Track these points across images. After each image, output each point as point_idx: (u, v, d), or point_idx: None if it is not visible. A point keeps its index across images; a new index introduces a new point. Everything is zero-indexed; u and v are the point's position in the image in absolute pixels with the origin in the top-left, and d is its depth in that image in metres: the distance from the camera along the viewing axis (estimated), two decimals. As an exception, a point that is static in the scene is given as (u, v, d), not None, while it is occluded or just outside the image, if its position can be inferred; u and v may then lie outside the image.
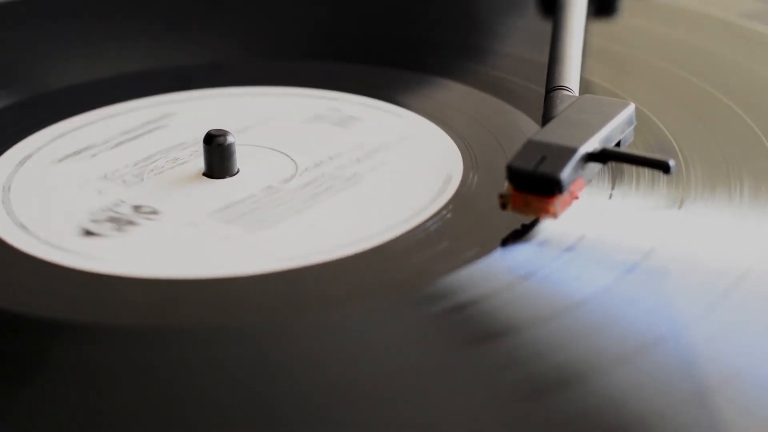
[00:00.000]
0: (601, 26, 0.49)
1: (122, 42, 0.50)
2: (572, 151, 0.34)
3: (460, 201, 0.37)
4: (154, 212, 0.37)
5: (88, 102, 0.44)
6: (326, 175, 0.39)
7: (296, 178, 0.39)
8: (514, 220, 0.35)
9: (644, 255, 0.33)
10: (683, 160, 0.38)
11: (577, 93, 0.39)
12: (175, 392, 0.30)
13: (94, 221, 0.37)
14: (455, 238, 0.35)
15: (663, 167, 0.34)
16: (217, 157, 0.39)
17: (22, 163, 0.41)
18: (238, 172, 0.39)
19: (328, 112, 0.43)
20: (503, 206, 0.34)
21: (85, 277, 0.34)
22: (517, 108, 0.42)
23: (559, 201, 0.34)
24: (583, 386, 0.29)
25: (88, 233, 0.36)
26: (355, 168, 0.39)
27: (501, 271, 0.33)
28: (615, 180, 0.37)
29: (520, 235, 0.35)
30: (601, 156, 0.35)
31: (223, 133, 0.39)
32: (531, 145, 0.35)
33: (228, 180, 0.39)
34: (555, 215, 0.34)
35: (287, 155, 0.40)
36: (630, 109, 0.37)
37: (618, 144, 0.36)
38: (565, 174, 0.34)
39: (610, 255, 0.34)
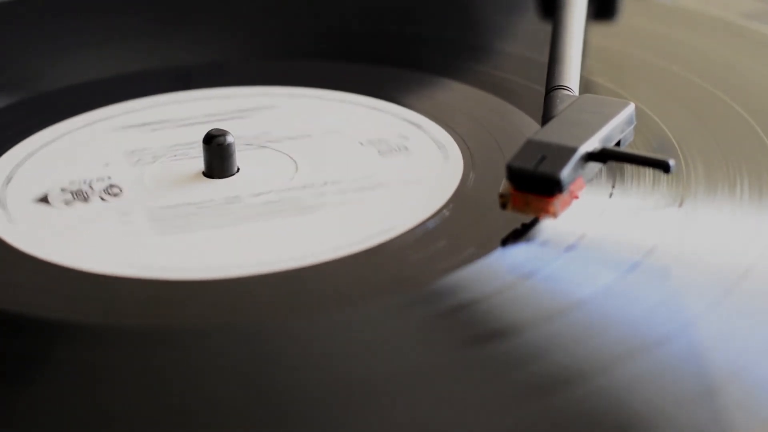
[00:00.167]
0: (601, 26, 0.49)
1: (123, 42, 0.50)
2: (572, 150, 0.34)
3: (460, 200, 0.37)
4: (116, 194, 0.38)
5: (88, 102, 0.44)
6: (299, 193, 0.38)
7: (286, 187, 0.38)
8: (515, 219, 0.35)
9: (645, 254, 0.33)
10: (683, 159, 0.38)
11: (577, 92, 0.39)
12: (175, 392, 0.30)
13: (62, 190, 0.38)
14: (455, 238, 0.35)
15: (663, 167, 0.34)
16: (216, 156, 0.39)
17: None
18: (237, 171, 0.39)
19: (397, 139, 0.42)
20: (503, 206, 0.34)
21: (85, 277, 0.34)
22: (517, 107, 0.42)
23: (559, 200, 0.34)
24: (584, 386, 0.29)
25: (43, 200, 0.37)
26: (341, 191, 0.38)
27: (501, 271, 0.33)
28: (615, 179, 0.37)
29: (520, 234, 0.35)
30: (601, 155, 0.35)
31: (222, 133, 0.39)
32: (531, 145, 0.35)
33: (220, 180, 0.39)
34: (555, 215, 0.34)
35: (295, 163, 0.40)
36: (630, 108, 0.37)
37: (618, 143, 0.36)
38: (565, 173, 0.34)
39: (610, 254, 0.34)
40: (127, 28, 0.51)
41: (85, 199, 0.38)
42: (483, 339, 0.31)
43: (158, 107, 0.44)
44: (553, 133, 0.35)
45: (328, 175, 0.39)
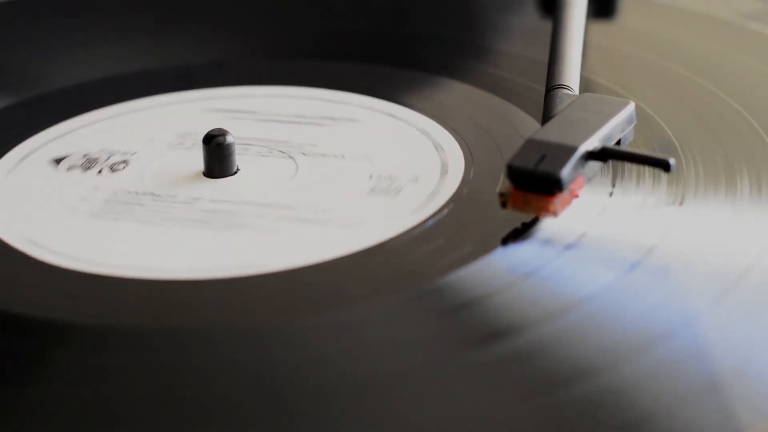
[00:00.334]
0: (601, 25, 0.49)
1: (123, 41, 0.50)
2: (572, 149, 0.34)
3: (460, 199, 0.37)
4: (115, 171, 0.39)
5: (87, 102, 0.44)
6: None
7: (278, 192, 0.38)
8: (515, 218, 0.35)
9: (645, 252, 0.33)
10: (684, 157, 0.38)
11: (577, 92, 0.39)
12: (176, 392, 0.30)
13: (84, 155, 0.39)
14: (455, 237, 0.35)
15: (663, 165, 0.34)
16: (214, 156, 0.39)
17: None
18: (237, 171, 0.39)
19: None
20: (503, 205, 0.34)
21: (84, 277, 0.34)
22: (518, 107, 0.42)
23: (559, 199, 0.34)
24: (584, 384, 0.29)
25: (58, 161, 0.39)
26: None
27: (502, 270, 0.33)
28: (616, 178, 0.37)
29: (520, 233, 0.35)
30: (602, 154, 0.35)
31: (222, 133, 0.39)
32: (531, 144, 0.35)
33: (216, 180, 0.39)
34: (555, 214, 0.34)
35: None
36: (630, 107, 0.37)
37: (618, 142, 0.36)
38: (566, 172, 0.34)
39: (611, 253, 0.34)
40: (128, 28, 0.51)
41: (87, 168, 0.38)
42: (483, 338, 0.31)
43: (251, 98, 0.44)
44: (553, 132, 0.35)
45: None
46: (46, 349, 0.31)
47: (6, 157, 0.41)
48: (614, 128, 0.36)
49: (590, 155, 0.35)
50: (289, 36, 0.50)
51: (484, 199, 0.36)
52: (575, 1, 0.46)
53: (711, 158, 0.38)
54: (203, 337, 0.31)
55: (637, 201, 0.36)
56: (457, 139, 0.40)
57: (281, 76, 0.46)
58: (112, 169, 0.39)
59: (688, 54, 0.46)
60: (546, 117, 0.38)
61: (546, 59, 0.42)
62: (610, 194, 0.36)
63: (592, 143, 0.35)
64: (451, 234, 0.35)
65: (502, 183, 0.35)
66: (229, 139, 0.39)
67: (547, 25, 0.45)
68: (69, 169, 0.39)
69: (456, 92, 0.44)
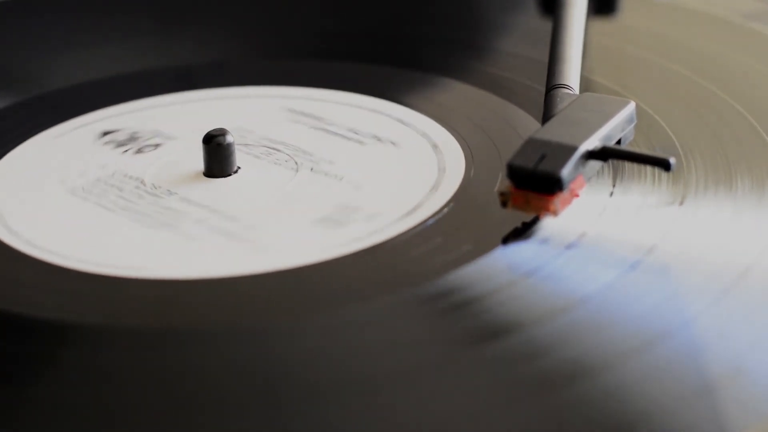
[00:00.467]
0: (602, 25, 0.49)
1: (123, 41, 0.50)
2: (572, 149, 0.34)
3: (460, 199, 0.37)
4: (142, 152, 0.40)
5: (88, 102, 0.44)
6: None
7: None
8: (515, 218, 0.35)
9: (646, 252, 0.33)
10: (684, 157, 0.38)
11: (577, 91, 0.39)
12: (176, 392, 0.30)
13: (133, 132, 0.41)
14: (456, 237, 0.35)
15: (663, 165, 0.34)
16: (213, 156, 0.39)
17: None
18: (237, 170, 0.39)
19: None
20: (503, 204, 0.34)
21: (84, 277, 0.34)
22: (518, 106, 0.42)
23: (559, 199, 0.34)
24: (584, 383, 0.29)
25: (106, 133, 0.41)
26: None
27: (502, 269, 0.33)
28: (616, 177, 0.37)
29: (521, 233, 0.35)
30: (602, 154, 0.35)
31: (222, 133, 0.39)
32: (531, 143, 0.35)
33: (213, 180, 0.39)
34: (555, 213, 0.34)
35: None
36: (630, 107, 0.37)
37: (619, 142, 0.36)
38: (566, 172, 0.34)
39: (611, 252, 0.34)
40: (128, 28, 0.51)
41: (121, 145, 0.40)
42: (484, 337, 0.31)
43: (322, 102, 0.44)
44: (553, 132, 0.35)
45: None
46: (46, 349, 0.31)
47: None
48: (614, 128, 0.36)
49: (590, 155, 0.35)
50: (289, 36, 0.50)
51: (485, 198, 0.36)
52: (575, 0, 0.46)
53: (711, 158, 0.38)
54: (203, 337, 0.31)
55: (637, 201, 0.36)
56: (457, 138, 0.40)
57: (281, 76, 0.46)
58: (140, 150, 0.40)
59: (689, 54, 0.46)
60: (546, 116, 0.38)
61: (546, 59, 0.42)
62: (611, 194, 0.36)
63: (592, 143, 0.35)
64: (451, 233, 0.35)
65: (502, 182, 0.35)
66: (229, 139, 0.39)
67: (547, 25, 0.45)
68: (106, 144, 0.41)
69: (456, 92, 0.44)
